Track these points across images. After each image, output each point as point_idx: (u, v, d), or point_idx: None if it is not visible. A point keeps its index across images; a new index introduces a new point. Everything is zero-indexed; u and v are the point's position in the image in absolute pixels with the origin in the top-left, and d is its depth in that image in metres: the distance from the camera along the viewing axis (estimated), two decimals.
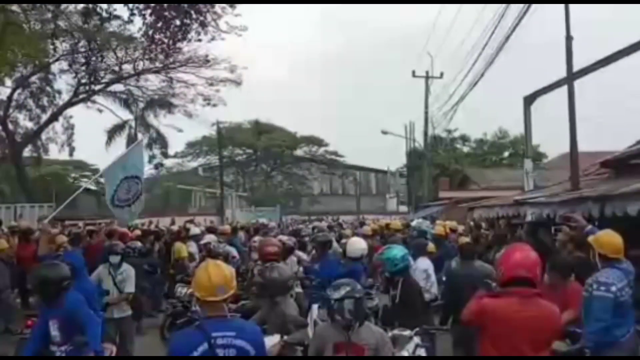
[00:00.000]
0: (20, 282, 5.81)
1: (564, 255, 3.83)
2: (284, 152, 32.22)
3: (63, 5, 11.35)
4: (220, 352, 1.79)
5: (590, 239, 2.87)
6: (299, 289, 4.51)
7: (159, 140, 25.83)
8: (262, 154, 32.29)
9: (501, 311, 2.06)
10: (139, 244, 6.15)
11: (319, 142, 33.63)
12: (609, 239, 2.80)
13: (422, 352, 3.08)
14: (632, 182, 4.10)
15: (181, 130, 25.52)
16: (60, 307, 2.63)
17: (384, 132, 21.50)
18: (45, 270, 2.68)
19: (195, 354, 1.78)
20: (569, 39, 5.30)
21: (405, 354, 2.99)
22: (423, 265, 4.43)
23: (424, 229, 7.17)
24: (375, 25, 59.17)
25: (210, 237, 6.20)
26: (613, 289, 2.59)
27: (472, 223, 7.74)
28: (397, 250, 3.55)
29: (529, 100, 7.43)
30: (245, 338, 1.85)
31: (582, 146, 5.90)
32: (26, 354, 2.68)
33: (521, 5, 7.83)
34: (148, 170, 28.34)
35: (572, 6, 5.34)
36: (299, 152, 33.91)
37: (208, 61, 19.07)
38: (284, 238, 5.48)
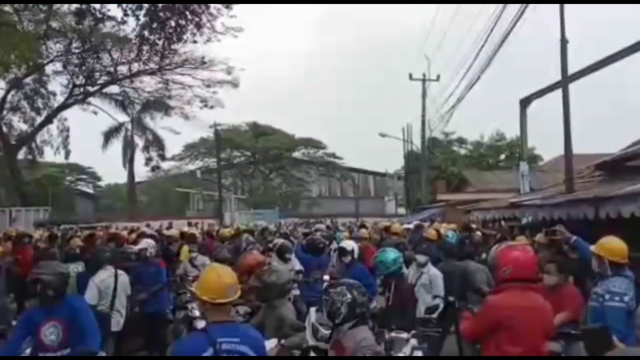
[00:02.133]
0: (16, 287, 5.75)
1: (561, 257, 3.86)
2: (282, 155, 32.22)
3: (56, 6, 11.30)
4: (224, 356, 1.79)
5: (596, 249, 2.80)
6: (296, 292, 4.50)
7: (156, 143, 25.89)
8: (260, 157, 32.29)
9: (513, 304, 2.15)
10: (135, 248, 6.05)
11: (317, 145, 33.69)
12: (617, 244, 2.76)
13: (419, 354, 3.09)
14: (625, 184, 4.15)
15: (178, 132, 25.64)
16: (62, 309, 2.47)
17: (382, 135, 21.61)
18: (58, 267, 2.60)
19: None
20: (563, 41, 5.35)
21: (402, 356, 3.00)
22: (440, 273, 4.11)
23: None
24: (373, 28, 59.58)
25: (146, 242, 4.67)
26: (626, 299, 2.57)
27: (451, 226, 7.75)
28: (390, 253, 3.59)
29: (525, 103, 7.50)
30: (249, 344, 1.85)
31: (578, 148, 5.97)
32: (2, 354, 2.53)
33: (517, 8, 7.92)
34: (145, 172, 28.48)
35: (573, 7, 5.38)
36: (297, 155, 33.94)
37: (204, 63, 19.17)
38: (280, 241, 5.47)
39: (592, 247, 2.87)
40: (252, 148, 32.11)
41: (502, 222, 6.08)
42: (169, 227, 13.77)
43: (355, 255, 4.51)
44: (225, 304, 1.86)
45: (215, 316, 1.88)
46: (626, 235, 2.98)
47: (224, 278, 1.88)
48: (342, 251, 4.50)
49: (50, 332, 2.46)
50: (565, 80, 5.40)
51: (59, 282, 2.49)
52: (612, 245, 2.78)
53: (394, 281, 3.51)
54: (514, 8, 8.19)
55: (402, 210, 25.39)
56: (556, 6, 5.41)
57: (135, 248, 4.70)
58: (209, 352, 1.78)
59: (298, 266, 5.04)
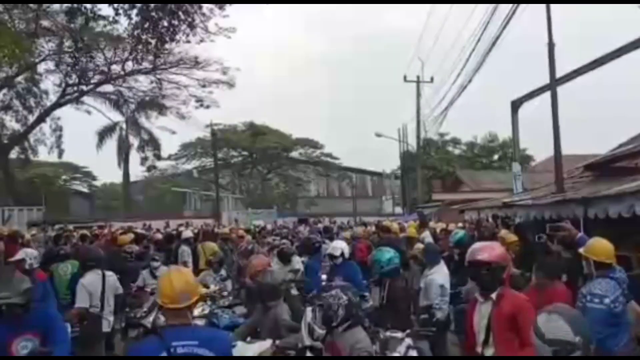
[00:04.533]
0: None
1: (551, 257, 3.96)
2: (279, 154, 32.20)
3: (47, 4, 11.22)
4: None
5: (582, 251, 2.87)
6: (295, 292, 4.53)
7: (151, 142, 25.75)
8: (258, 156, 32.23)
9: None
10: (135, 247, 5.83)
11: (314, 145, 33.70)
12: (601, 245, 2.83)
13: (414, 353, 3.13)
14: (613, 184, 4.25)
15: (174, 132, 25.53)
16: (32, 320, 2.25)
17: (378, 135, 21.74)
18: (21, 283, 2.29)
19: None
20: (551, 45, 5.45)
21: (397, 355, 3.05)
22: (440, 279, 3.80)
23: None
24: (369, 29, 59.70)
25: (24, 253, 4.06)
26: (607, 300, 2.61)
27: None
28: (385, 253, 3.59)
29: (516, 105, 7.62)
30: (209, 347, 1.79)
31: (570, 148, 6.08)
32: None
33: (508, 10, 8.03)
34: (141, 172, 28.33)
35: (567, 7, 5.46)
36: (294, 154, 33.91)
37: (198, 63, 19.08)
38: (273, 240, 5.48)
39: (580, 249, 2.91)
40: (250, 148, 32.02)
41: (489, 219, 6.20)
42: (166, 226, 13.76)
43: (346, 255, 4.51)
44: (179, 309, 1.82)
45: (171, 320, 1.85)
46: (614, 235, 3.06)
47: (175, 283, 1.84)
48: (331, 256, 4.48)
49: (22, 347, 2.25)
50: (554, 84, 5.51)
51: (26, 299, 2.25)
52: (597, 245, 2.84)
53: (388, 280, 3.52)
54: (504, 10, 8.31)
55: (399, 210, 25.53)
56: (547, 8, 5.49)
57: (15, 258, 4.00)
58: (163, 356, 1.73)
59: (298, 265, 5.07)
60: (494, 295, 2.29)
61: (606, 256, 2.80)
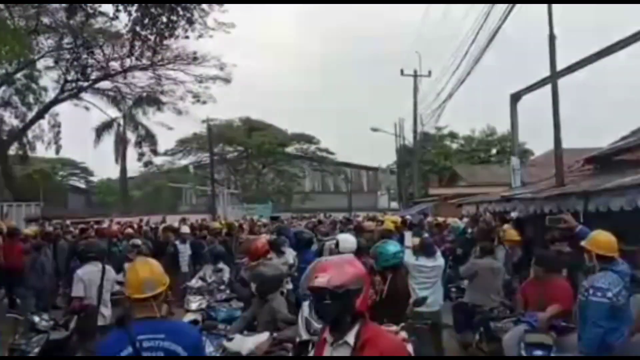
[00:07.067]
0: (6, 282, 5.65)
1: (549, 251, 3.94)
2: (275, 150, 32.09)
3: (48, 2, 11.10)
4: (146, 356, 1.70)
5: (584, 243, 2.83)
6: (289, 286, 4.49)
7: (148, 138, 25.56)
8: (253, 152, 32.11)
9: None
10: (123, 243, 5.89)
11: (310, 140, 33.60)
12: (604, 238, 2.78)
13: (408, 347, 3.11)
14: (614, 178, 4.22)
15: (171, 127, 25.35)
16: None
17: (374, 130, 21.63)
18: None
19: None
20: (552, 38, 5.38)
21: None
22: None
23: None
24: (366, 24, 59.27)
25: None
26: (609, 294, 2.56)
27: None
28: (391, 246, 3.56)
29: (515, 98, 7.55)
30: (176, 340, 1.75)
31: (569, 142, 6.05)
32: None
33: (507, 4, 7.93)
34: (138, 167, 28.15)
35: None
36: (290, 150, 33.82)
37: (196, 58, 18.91)
38: (266, 238, 5.48)
39: (583, 242, 2.87)
40: (245, 143, 31.92)
41: (487, 214, 6.18)
42: (163, 221, 13.66)
43: (349, 249, 4.50)
44: (144, 300, 1.78)
45: (137, 313, 1.81)
46: (615, 229, 2.99)
47: (140, 273, 1.82)
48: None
49: None
50: (554, 77, 5.45)
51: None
52: (600, 238, 2.80)
53: (390, 274, 3.49)
54: (503, 4, 8.20)
55: (395, 205, 25.56)
56: (544, 3, 5.41)
57: None
58: (128, 351, 1.69)
59: (292, 260, 5.03)
60: (350, 339, 1.54)
61: (609, 249, 2.76)
